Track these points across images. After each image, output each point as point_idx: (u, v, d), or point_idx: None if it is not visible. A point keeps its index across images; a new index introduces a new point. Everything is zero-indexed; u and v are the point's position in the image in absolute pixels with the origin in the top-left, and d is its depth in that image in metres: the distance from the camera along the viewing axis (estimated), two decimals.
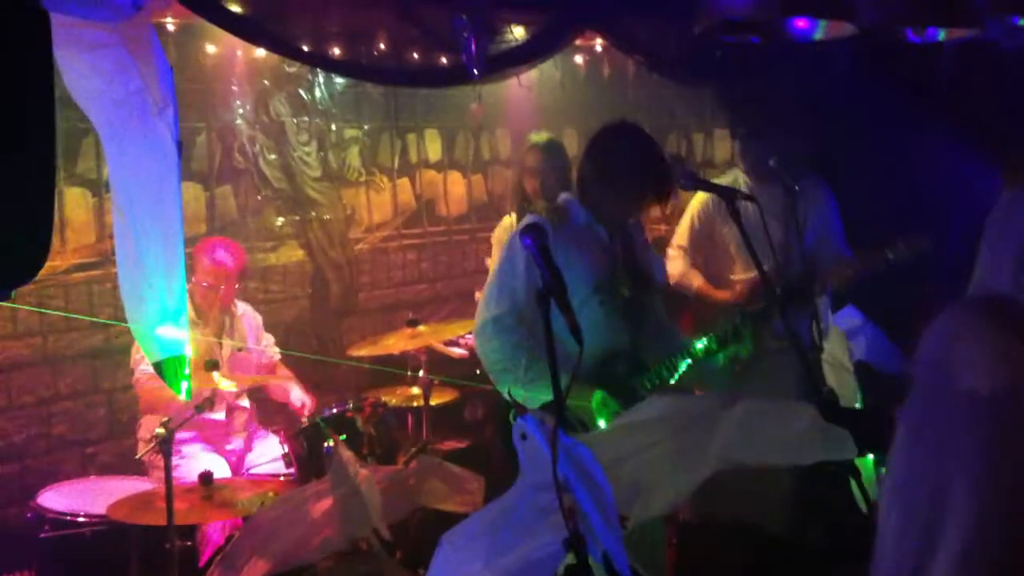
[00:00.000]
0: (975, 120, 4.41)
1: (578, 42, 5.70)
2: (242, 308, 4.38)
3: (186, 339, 2.61)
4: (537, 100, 5.96)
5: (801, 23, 3.80)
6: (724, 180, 4.03)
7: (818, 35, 3.80)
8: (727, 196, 3.04)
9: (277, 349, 4.49)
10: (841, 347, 3.81)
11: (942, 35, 3.89)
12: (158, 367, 2.58)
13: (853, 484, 2.27)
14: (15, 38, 1.60)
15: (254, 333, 4.39)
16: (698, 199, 4.13)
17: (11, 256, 1.67)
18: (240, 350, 4.24)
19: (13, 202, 1.64)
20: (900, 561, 1.45)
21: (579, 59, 6.30)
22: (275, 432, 4.20)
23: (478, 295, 3.39)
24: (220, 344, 4.20)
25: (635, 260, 3.17)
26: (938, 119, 4.48)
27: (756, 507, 3.60)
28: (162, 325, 2.60)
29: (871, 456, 2.84)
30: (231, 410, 4.25)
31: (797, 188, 3.75)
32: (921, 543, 1.43)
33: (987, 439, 1.42)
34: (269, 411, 4.44)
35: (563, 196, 3.20)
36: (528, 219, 3.01)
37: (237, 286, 4.30)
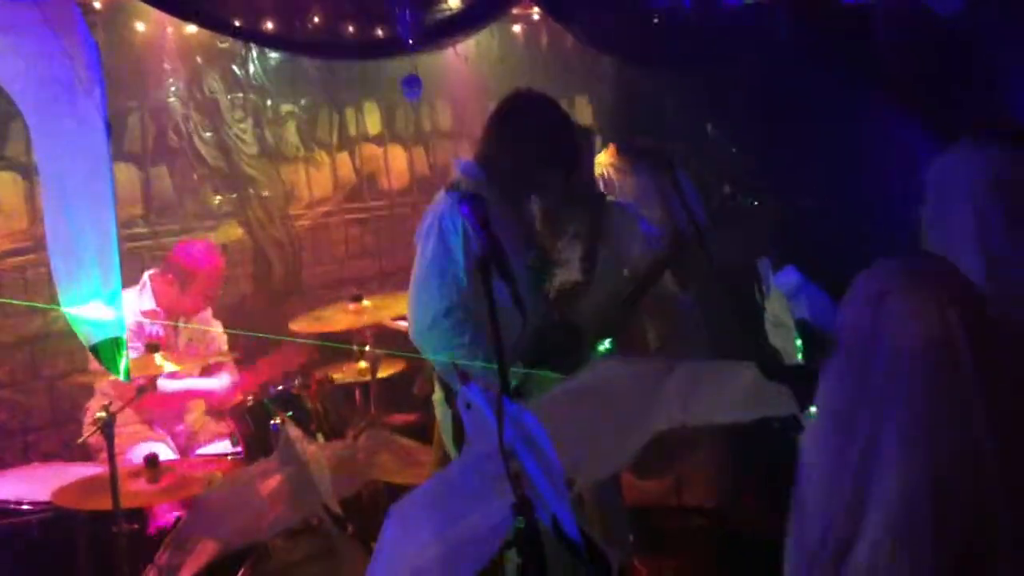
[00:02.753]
0: (908, 82, 4.48)
1: (515, 11, 5.68)
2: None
3: (121, 320, 2.57)
4: (475, 70, 5.94)
5: None
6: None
7: None
8: (665, 163, 3.06)
9: (224, 337, 4.45)
10: (782, 306, 3.86)
11: None
12: (94, 350, 2.54)
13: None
14: None
15: (204, 323, 4.36)
16: (595, 163, 4.14)
17: None
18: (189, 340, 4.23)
19: None
20: (829, 511, 1.50)
21: (517, 28, 6.28)
22: (223, 413, 4.18)
23: None
24: (175, 332, 4.17)
25: (589, 234, 3.14)
26: (872, 82, 4.54)
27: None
28: (98, 307, 2.55)
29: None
30: (183, 394, 4.22)
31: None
32: (850, 496, 1.48)
33: (913, 390, 1.48)
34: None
35: (466, 167, 3.08)
36: (452, 195, 2.94)
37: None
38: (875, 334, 1.54)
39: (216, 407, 4.16)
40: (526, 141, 2.98)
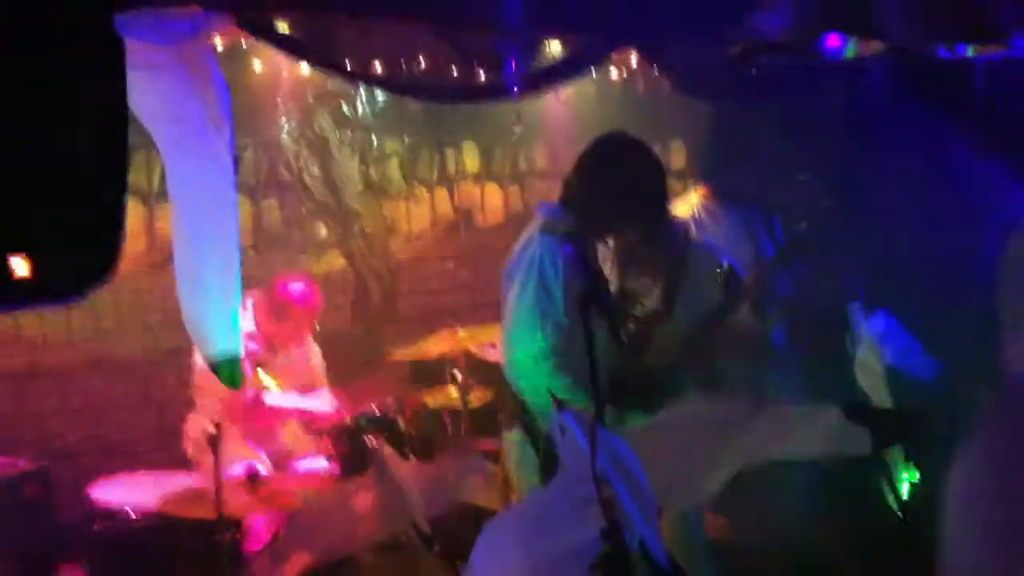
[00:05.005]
0: (1010, 138, 4.44)
1: (614, 56, 5.80)
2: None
3: (240, 340, 2.74)
4: (573, 113, 6.07)
5: (833, 41, 3.87)
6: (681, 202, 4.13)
7: (849, 53, 3.86)
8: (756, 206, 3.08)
9: (323, 366, 4.61)
10: (872, 350, 3.88)
11: (971, 51, 3.95)
12: (214, 368, 2.71)
13: (882, 481, 2.35)
14: (94, 59, 1.72)
15: (305, 349, 4.52)
16: (687, 203, 4.20)
17: (87, 260, 1.79)
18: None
19: (90, 207, 1.77)
20: (983, 558, 1.43)
21: (615, 74, 6.41)
22: (319, 432, 4.33)
23: None
24: (274, 354, 4.34)
25: (670, 274, 3.16)
26: (974, 137, 4.51)
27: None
28: (219, 328, 2.73)
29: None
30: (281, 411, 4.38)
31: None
32: (1009, 555, 1.41)
33: None
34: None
35: (553, 210, 3.06)
36: (546, 235, 2.94)
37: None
38: None
39: (315, 426, 4.31)
40: (616, 183, 3.00)
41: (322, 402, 4.35)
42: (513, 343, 2.97)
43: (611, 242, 3.18)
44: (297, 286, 4.37)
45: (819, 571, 3.56)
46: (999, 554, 1.42)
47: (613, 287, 3.12)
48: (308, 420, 4.41)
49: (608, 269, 3.15)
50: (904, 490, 2.77)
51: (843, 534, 3.23)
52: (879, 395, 3.62)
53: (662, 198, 3.13)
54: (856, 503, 3.12)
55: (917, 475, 3.28)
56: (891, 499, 2.65)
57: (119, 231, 1.87)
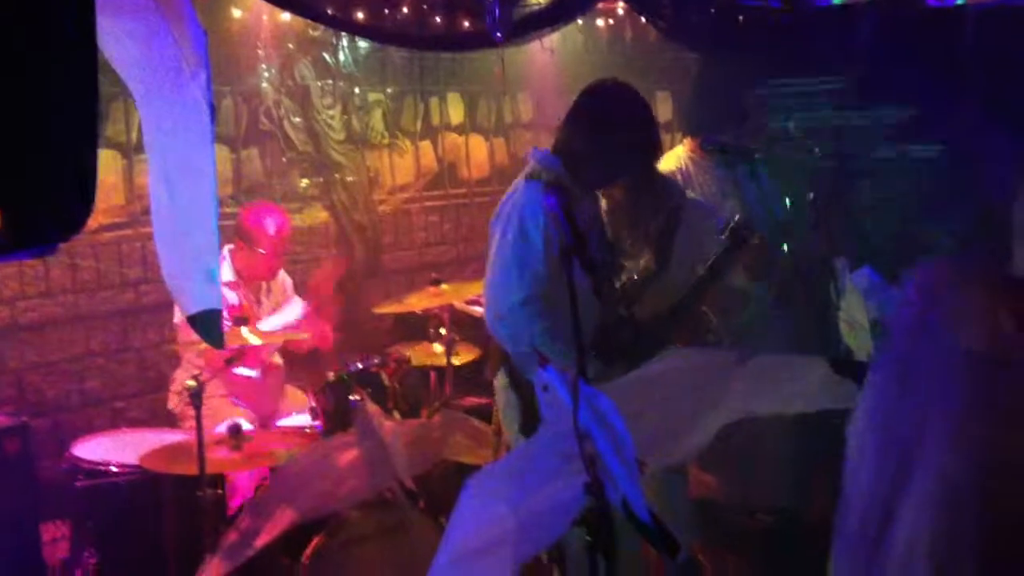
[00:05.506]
0: (1001, 87, 4.40)
1: (601, 5, 5.72)
2: (280, 273, 4.48)
3: (219, 294, 2.69)
4: (559, 63, 6.00)
5: None
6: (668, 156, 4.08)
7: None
8: (744, 159, 3.05)
9: (302, 305, 4.58)
10: (857, 305, 3.86)
11: None
12: (192, 320, 2.66)
13: None
14: (63, 4, 1.67)
15: (286, 295, 4.49)
16: (674, 156, 4.15)
17: (59, 210, 1.76)
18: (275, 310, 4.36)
19: (61, 157, 1.72)
20: (873, 498, 1.52)
21: (601, 22, 6.32)
22: (302, 387, 4.32)
23: None
24: (258, 303, 4.31)
25: (663, 229, 3.12)
26: (963, 87, 4.48)
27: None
28: (197, 281, 2.68)
29: None
30: (266, 369, 4.36)
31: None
32: (892, 481, 1.49)
33: (965, 388, 1.48)
34: (296, 367, 4.54)
35: (544, 157, 3.04)
36: (533, 185, 2.93)
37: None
38: (924, 331, 1.54)
39: (292, 350, 4.29)
40: (608, 130, 2.96)
41: (294, 309, 4.32)
42: (493, 290, 2.97)
43: (601, 195, 3.14)
44: (259, 206, 4.32)
45: (804, 528, 3.58)
46: (884, 475, 1.50)
47: (602, 242, 3.09)
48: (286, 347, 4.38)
49: (597, 222, 3.12)
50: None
51: (828, 490, 3.24)
52: (865, 350, 3.61)
53: (654, 149, 3.09)
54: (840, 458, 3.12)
55: None
56: None
57: (91, 181, 1.83)
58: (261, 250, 4.22)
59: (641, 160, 3.04)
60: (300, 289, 4.68)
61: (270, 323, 4.27)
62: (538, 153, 3.09)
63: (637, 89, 3.06)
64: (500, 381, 3.18)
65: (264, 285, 4.38)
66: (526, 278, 2.86)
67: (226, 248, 4.35)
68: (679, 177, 4.11)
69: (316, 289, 4.80)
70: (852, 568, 1.56)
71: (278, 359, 4.46)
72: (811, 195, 3.61)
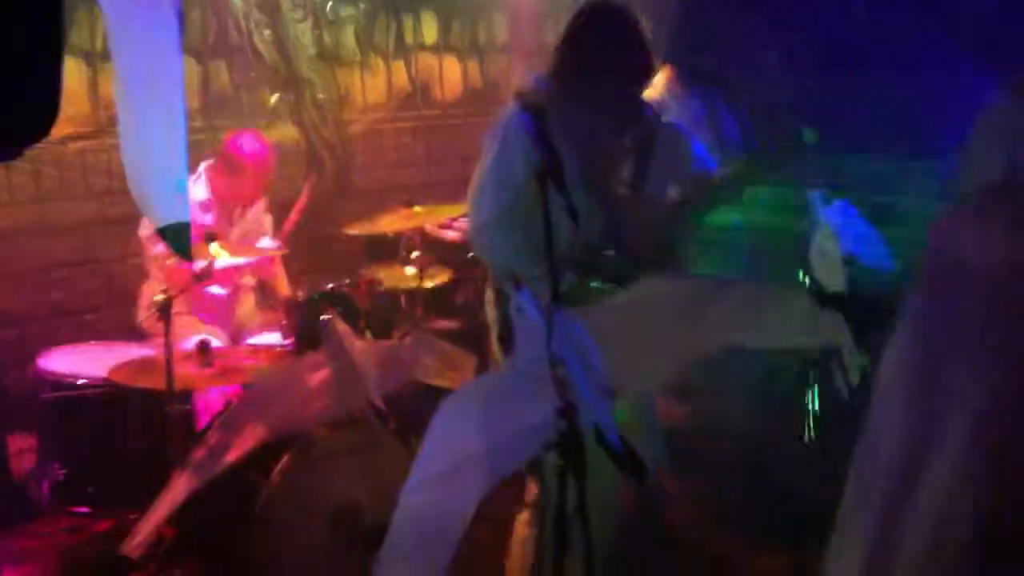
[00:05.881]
0: (971, 22, 4.38)
1: None
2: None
3: (187, 205, 2.66)
4: None
5: None
6: None
7: None
8: (721, 87, 3.03)
9: (271, 224, 4.54)
10: (829, 239, 3.89)
11: None
12: (161, 232, 2.63)
13: (834, 366, 2.37)
14: None
15: (258, 215, 4.44)
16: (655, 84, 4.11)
17: (23, 114, 1.70)
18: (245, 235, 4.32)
19: (25, 60, 1.67)
20: (903, 442, 1.52)
21: None
22: (272, 306, 4.30)
23: None
24: (230, 223, 4.26)
25: (639, 150, 3.12)
26: (936, 22, 4.45)
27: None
28: (165, 192, 2.64)
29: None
30: (235, 288, 4.33)
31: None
32: (926, 425, 1.49)
33: (995, 323, 1.48)
34: (267, 287, 4.52)
35: (542, 85, 3.01)
36: (518, 103, 2.95)
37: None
38: (959, 266, 1.53)
39: (266, 290, 4.27)
40: (601, 49, 2.94)
41: (265, 243, 4.30)
42: (473, 203, 2.98)
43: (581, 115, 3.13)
44: (249, 139, 4.26)
45: (771, 458, 3.65)
46: (919, 416, 1.49)
47: (596, 161, 3.08)
48: (261, 285, 4.36)
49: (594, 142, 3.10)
50: (855, 377, 2.81)
51: (793, 421, 3.30)
52: (835, 284, 3.65)
53: (648, 67, 3.06)
54: (806, 390, 3.17)
55: (868, 361, 3.34)
56: (842, 385, 2.69)
57: (55, 86, 1.78)
58: (243, 178, 4.17)
59: (632, 79, 3.01)
60: (269, 206, 4.62)
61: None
62: (536, 76, 3.07)
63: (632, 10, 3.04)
64: (488, 296, 3.19)
65: (238, 208, 4.33)
66: (503, 192, 2.87)
67: (202, 165, 4.29)
68: (656, 104, 4.07)
69: (292, 221, 4.75)
70: (868, 514, 1.57)
71: (249, 280, 4.43)
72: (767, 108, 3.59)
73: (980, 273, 1.50)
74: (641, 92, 3.06)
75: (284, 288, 4.32)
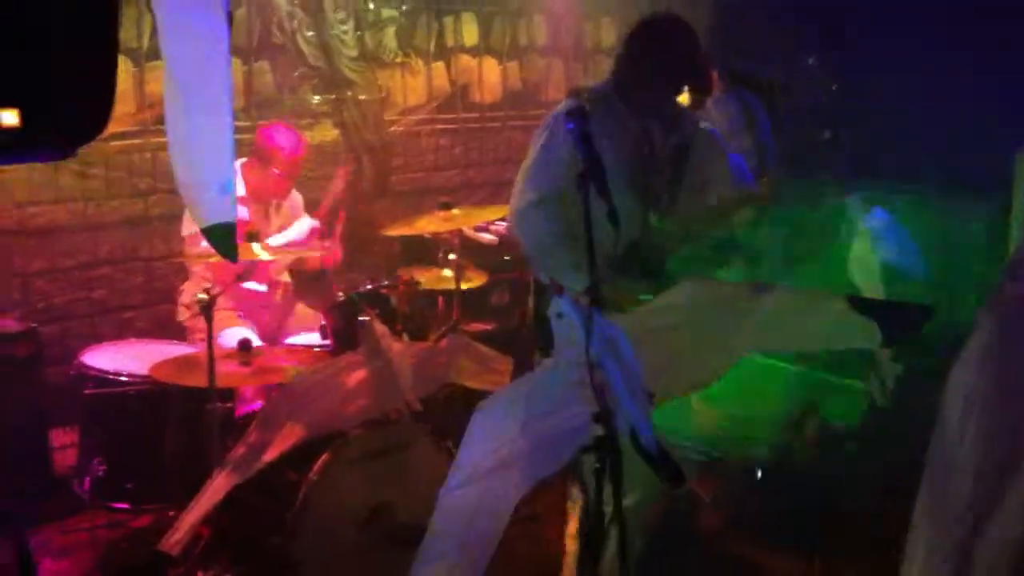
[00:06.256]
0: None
1: None
2: (292, 192, 4.46)
3: (234, 206, 2.68)
4: None
5: None
6: None
7: None
8: (761, 90, 3.03)
9: (311, 222, 4.58)
10: (868, 245, 3.86)
11: None
12: (207, 232, 2.65)
13: (872, 376, 2.36)
14: None
15: (296, 212, 4.48)
16: None
17: (78, 114, 1.74)
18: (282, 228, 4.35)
19: (82, 60, 1.70)
20: (981, 472, 1.46)
21: None
22: (311, 305, 4.33)
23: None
24: (267, 220, 4.30)
25: (676, 157, 3.14)
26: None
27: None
28: (212, 192, 2.66)
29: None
30: (272, 284, 4.37)
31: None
32: (1007, 454, 1.43)
33: None
34: (306, 286, 4.55)
35: (599, 86, 3.15)
36: (570, 102, 3.01)
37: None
38: None
39: (300, 268, 4.31)
40: (661, 61, 3.01)
41: (301, 227, 4.33)
42: (516, 187, 3.03)
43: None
44: (279, 130, 4.28)
45: (804, 466, 3.63)
46: (994, 439, 1.45)
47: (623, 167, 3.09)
48: (297, 262, 4.40)
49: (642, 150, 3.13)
50: (891, 382, 2.80)
51: (826, 428, 3.28)
52: (873, 292, 3.62)
53: (702, 81, 3.11)
54: (845, 396, 3.15)
55: (902, 370, 3.31)
56: (877, 393, 2.67)
57: (110, 87, 1.82)
58: (275, 170, 4.20)
59: (692, 93, 3.06)
60: (310, 206, 4.66)
61: (276, 240, 4.27)
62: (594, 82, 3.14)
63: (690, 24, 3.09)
64: (531, 300, 3.23)
65: (274, 202, 4.37)
66: (546, 180, 2.91)
67: (238, 163, 4.32)
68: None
69: (325, 207, 4.79)
70: (950, 520, 1.52)
71: (286, 277, 4.47)
72: (827, 135, 3.59)
73: None
74: (696, 106, 3.09)
75: (315, 263, 4.34)
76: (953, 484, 1.51)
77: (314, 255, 4.30)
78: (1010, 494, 1.41)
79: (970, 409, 1.53)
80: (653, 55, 3.02)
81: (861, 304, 2.16)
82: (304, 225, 4.41)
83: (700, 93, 3.10)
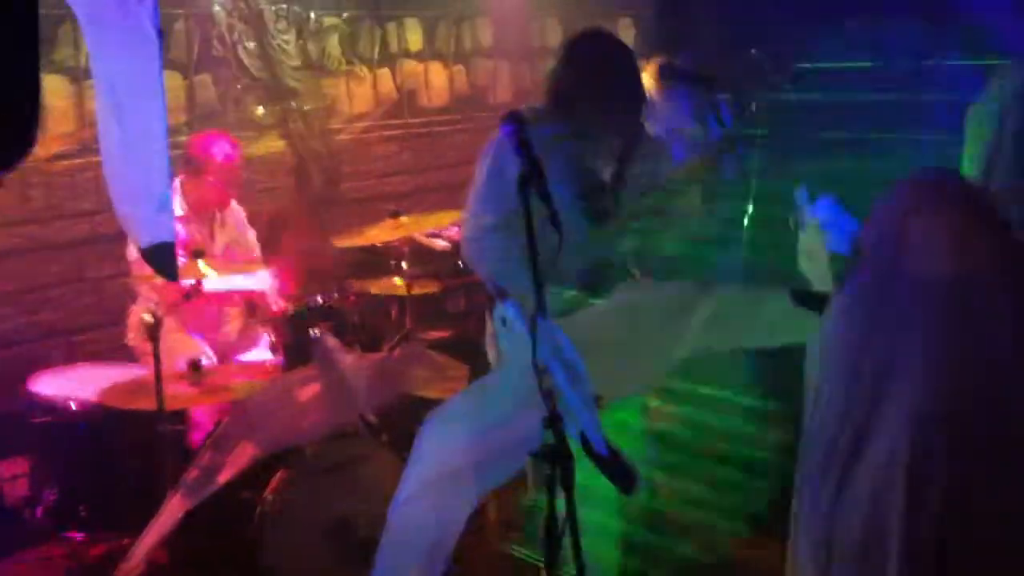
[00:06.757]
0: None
1: None
2: (233, 204, 4.40)
3: (172, 224, 2.64)
4: None
5: None
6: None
7: None
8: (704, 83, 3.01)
9: (257, 244, 4.53)
10: (816, 236, 3.87)
11: None
12: (146, 253, 2.61)
13: None
14: None
15: (240, 227, 4.42)
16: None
17: (4, 132, 1.68)
18: (229, 244, 4.29)
19: (2, 80, 1.64)
20: (840, 426, 1.49)
21: None
22: (260, 322, 4.28)
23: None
24: (211, 237, 4.24)
25: (623, 172, 3.11)
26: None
27: None
28: (149, 212, 2.62)
29: None
30: (223, 303, 4.31)
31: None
32: (864, 409, 1.47)
33: (938, 315, 1.46)
34: (255, 303, 4.50)
35: (535, 108, 3.05)
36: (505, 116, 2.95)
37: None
38: (899, 253, 1.51)
39: (259, 311, 4.25)
40: (597, 78, 2.97)
41: (259, 280, 4.27)
42: (466, 216, 2.98)
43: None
44: (211, 138, 4.22)
45: (763, 461, 3.64)
46: (863, 392, 1.48)
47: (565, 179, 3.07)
48: (250, 304, 4.34)
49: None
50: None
51: (784, 423, 3.29)
52: (823, 282, 3.63)
53: (639, 100, 3.07)
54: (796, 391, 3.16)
55: None
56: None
57: (33, 108, 1.77)
58: (210, 178, 4.12)
59: (627, 110, 3.01)
60: (254, 219, 4.60)
61: (233, 282, 4.21)
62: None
63: (600, 18, 3.06)
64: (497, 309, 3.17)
65: (218, 217, 4.30)
66: (501, 203, 2.84)
67: (177, 180, 4.26)
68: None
69: (265, 221, 4.72)
70: (815, 497, 1.54)
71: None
72: (752, 107, 3.59)
73: (932, 270, 1.47)
74: (631, 118, 3.06)
75: (272, 303, 4.30)
76: (826, 426, 1.53)
77: (252, 286, 4.24)
78: (887, 404, 1.44)
79: (837, 348, 1.56)
80: (582, 74, 2.97)
81: (803, 297, 2.16)
82: (261, 280, 4.32)
83: (635, 107, 3.07)
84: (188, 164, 4.17)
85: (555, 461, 2.00)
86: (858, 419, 1.48)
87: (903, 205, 1.56)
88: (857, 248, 1.64)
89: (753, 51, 3.92)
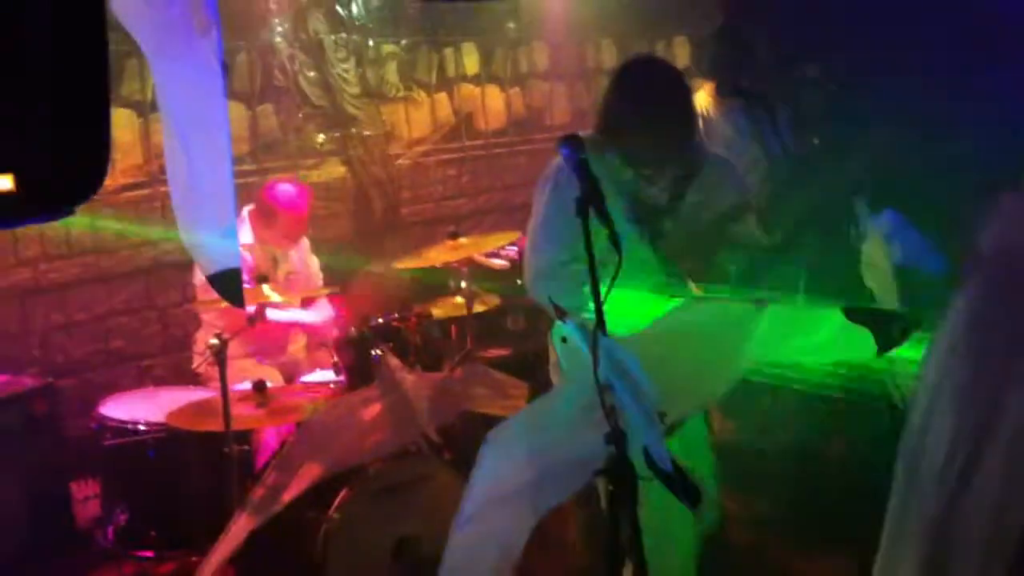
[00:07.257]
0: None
1: None
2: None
3: (237, 252, 2.69)
4: (573, 11, 5.92)
5: None
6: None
7: None
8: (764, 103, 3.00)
9: (320, 273, 4.61)
10: (879, 248, 3.82)
11: None
12: (212, 280, 2.66)
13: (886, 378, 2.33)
14: None
15: (304, 257, 4.51)
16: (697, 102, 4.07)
17: (75, 172, 1.74)
18: (290, 274, 4.39)
19: (72, 117, 1.70)
20: (956, 433, 1.45)
21: None
22: (324, 344, 4.33)
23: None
24: (275, 266, 4.33)
25: (680, 196, 3.06)
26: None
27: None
28: (215, 239, 2.68)
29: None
30: (287, 327, 4.39)
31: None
32: (979, 420, 1.42)
33: None
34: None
35: (589, 135, 2.88)
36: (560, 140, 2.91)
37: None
38: (1012, 265, 1.46)
39: (318, 339, 4.32)
40: (647, 107, 2.89)
41: (321, 313, 4.36)
42: (530, 250, 2.90)
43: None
44: (284, 188, 4.33)
45: (822, 473, 3.59)
46: (967, 407, 1.44)
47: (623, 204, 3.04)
48: (311, 333, 4.42)
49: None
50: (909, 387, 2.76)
51: (844, 433, 3.24)
52: (888, 296, 3.58)
53: (691, 127, 3.02)
54: (859, 402, 3.11)
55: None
56: (895, 397, 2.64)
57: (104, 141, 1.82)
58: (280, 224, 4.27)
59: (675, 137, 2.97)
60: (317, 246, 4.68)
61: (296, 315, 4.33)
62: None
63: (652, 36, 3.04)
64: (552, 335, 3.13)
65: (280, 250, 4.41)
66: (554, 235, 2.79)
67: (245, 210, 4.36)
68: (700, 123, 4.03)
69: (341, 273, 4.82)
70: (921, 514, 1.50)
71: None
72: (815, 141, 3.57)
73: None
74: (680, 145, 2.99)
75: (334, 328, 4.37)
76: (923, 467, 1.50)
77: (319, 323, 4.34)
78: (988, 455, 1.39)
79: (941, 391, 1.52)
80: (631, 102, 2.91)
81: (856, 314, 2.13)
82: (322, 313, 4.42)
83: (688, 134, 3.01)
84: (260, 209, 4.29)
85: (618, 477, 2.00)
86: (972, 439, 1.44)
87: (1018, 218, 1.50)
88: (975, 256, 1.57)
89: (808, 65, 3.89)
